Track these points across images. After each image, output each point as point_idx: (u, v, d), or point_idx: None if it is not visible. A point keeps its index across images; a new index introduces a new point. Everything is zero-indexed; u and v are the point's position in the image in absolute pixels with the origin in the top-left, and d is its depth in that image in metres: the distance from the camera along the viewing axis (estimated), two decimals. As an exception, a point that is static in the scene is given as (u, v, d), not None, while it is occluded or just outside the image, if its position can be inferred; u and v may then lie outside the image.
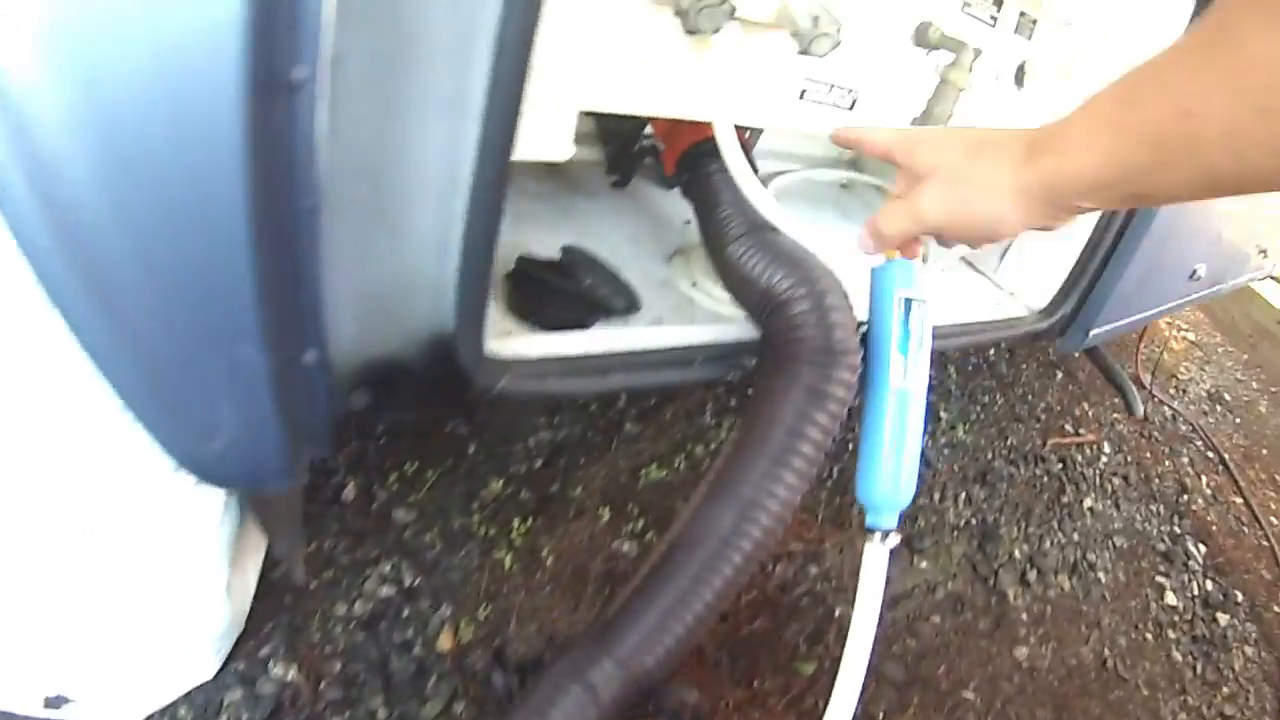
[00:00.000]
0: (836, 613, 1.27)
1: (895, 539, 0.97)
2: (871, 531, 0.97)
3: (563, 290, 1.01)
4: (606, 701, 0.86)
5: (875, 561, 0.97)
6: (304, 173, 0.59)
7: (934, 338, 1.05)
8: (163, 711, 1.16)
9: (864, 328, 1.02)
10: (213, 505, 1.03)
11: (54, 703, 1.15)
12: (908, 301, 0.99)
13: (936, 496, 1.72)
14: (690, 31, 0.85)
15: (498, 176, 0.70)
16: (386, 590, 1.28)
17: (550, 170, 1.45)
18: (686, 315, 1.12)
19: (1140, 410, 2.27)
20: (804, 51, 0.91)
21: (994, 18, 1.20)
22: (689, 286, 1.19)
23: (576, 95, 0.85)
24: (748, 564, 0.89)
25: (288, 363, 0.68)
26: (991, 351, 2.27)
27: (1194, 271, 1.79)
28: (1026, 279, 1.56)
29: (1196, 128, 0.50)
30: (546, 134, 0.85)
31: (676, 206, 1.20)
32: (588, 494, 1.44)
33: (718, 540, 0.89)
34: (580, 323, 1.01)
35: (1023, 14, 1.24)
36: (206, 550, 1.08)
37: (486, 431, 1.52)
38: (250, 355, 0.65)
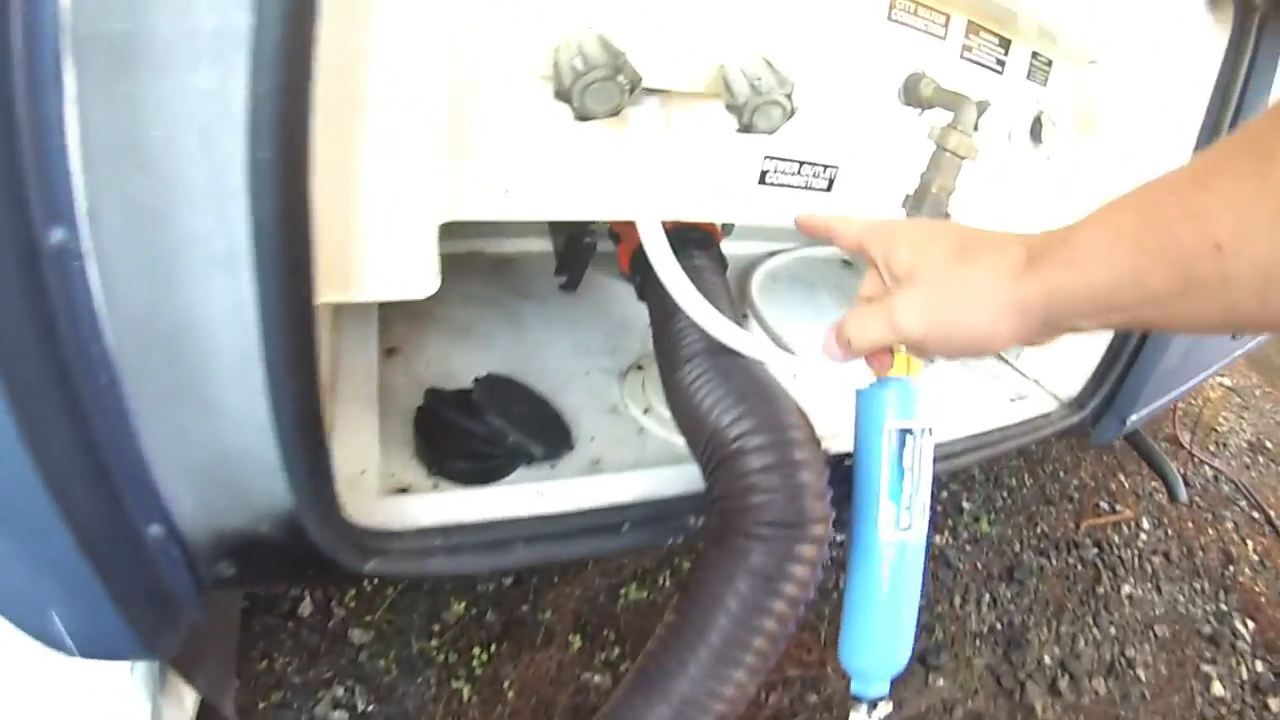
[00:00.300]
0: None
1: (886, 708, 0.73)
2: (858, 701, 0.73)
3: (473, 434, 0.72)
4: None
5: None
6: (90, 346, 0.48)
7: (943, 458, 0.74)
8: None
9: (849, 462, 0.74)
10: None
11: None
12: (902, 434, 0.71)
13: (957, 601, 1.38)
14: (581, 118, 0.56)
15: (293, 338, 0.49)
16: (338, 715, 1.06)
17: (496, 269, 1.17)
18: (632, 453, 0.83)
19: (1183, 495, 1.88)
20: (746, 129, 0.62)
21: (1001, 62, 0.87)
22: (641, 413, 0.90)
23: (430, 212, 0.58)
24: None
25: (123, 540, 0.57)
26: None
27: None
28: (1053, 365, 1.22)
29: (1227, 266, 0.41)
30: (393, 268, 0.58)
31: (641, 309, 0.92)
32: (559, 617, 1.17)
33: None
34: (492, 473, 0.72)
35: (1035, 55, 0.91)
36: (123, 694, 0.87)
37: None
38: (62, 539, 0.53)
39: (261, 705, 1.06)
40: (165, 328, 0.48)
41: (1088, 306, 0.49)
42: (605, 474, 0.76)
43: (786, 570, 0.63)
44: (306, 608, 1.16)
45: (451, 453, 0.72)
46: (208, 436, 0.52)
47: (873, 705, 0.72)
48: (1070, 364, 1.19)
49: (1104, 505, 1.73)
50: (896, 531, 0.70)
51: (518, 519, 0.66)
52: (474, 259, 1.21)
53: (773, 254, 1.44)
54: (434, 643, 1.13)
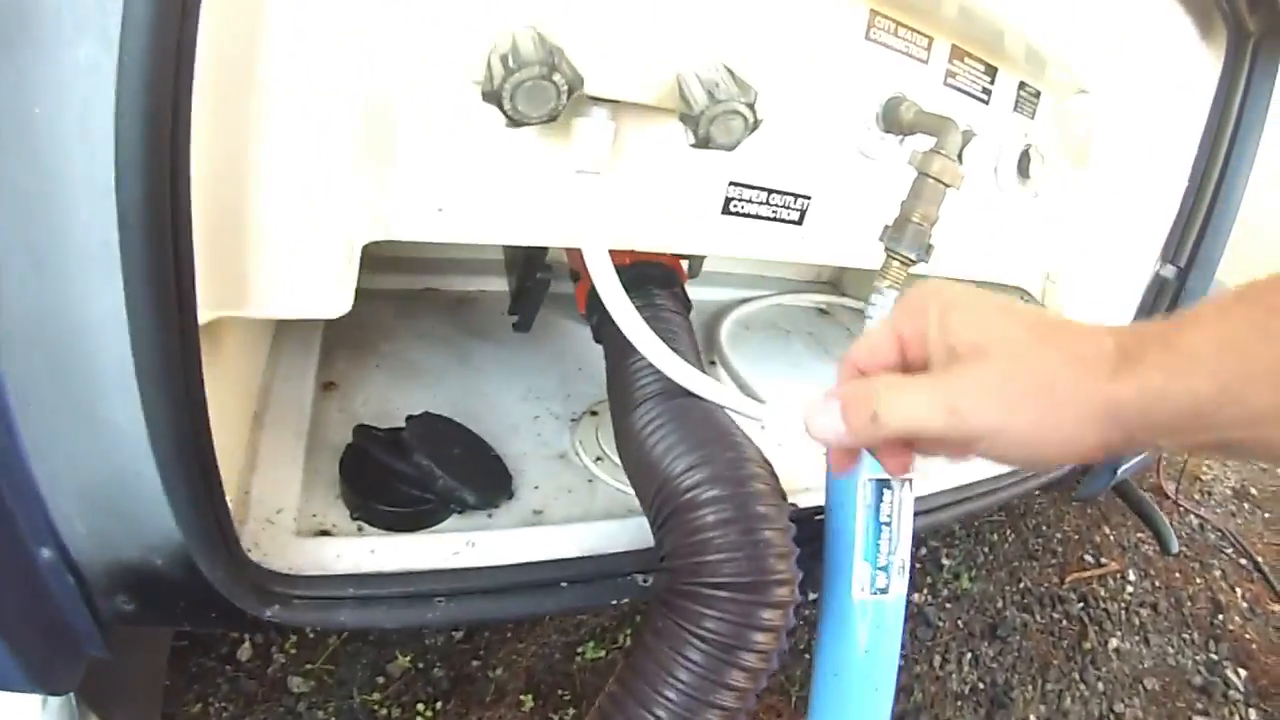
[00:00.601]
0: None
1: None
2: None
3: (402, 475, 0.65)
4: None
5: None
6: None
7: (924, 513, 0.67)
8: None
9: (820, 517, 0.68)
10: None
11: None
12: (879, 486, 0.64)
13: (937, 661, 1.30)
14: (515, 122, 0.49)
15: (165, 350, 0.44)
16: None
17: (453, 308, 1.10)
18: (580, 504, 0.76)
19: (1175, 546, 1.81)
20: (703, 144, 0.56)
21: (987, 91, 0.82)
22: (591, 462, 0.82)
23: (345, 223, 0.51)
24: None
25: (11, 562, 0.53)
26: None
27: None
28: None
29: None
30: (299, 283, 0.51)
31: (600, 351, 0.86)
32: (510, 675, 1.09)
33: None
34: (420, 519, 0.65)
35: (1023, 86, 0.86)
36: None
37: None
38: None
39: None
40: (49, 332, 0.42)
41: (1183, 421, 0.40)
42: (546, 525, 0.68)
43: (746, 638, 0.55)
44: (245, 651, 1.07)
45: (378, 496, 0.65)
46: (93, 455, 0.46)
47: None
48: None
49: (1089, 558, 1.65)
50: (872, 593, 0.63)
51: (441, 570, 0.59)
52: (429, 296, 1.14)
53: (745, 301, 1.38)
54: (377, 696, 1.04)
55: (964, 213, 0.90)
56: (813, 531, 0.65)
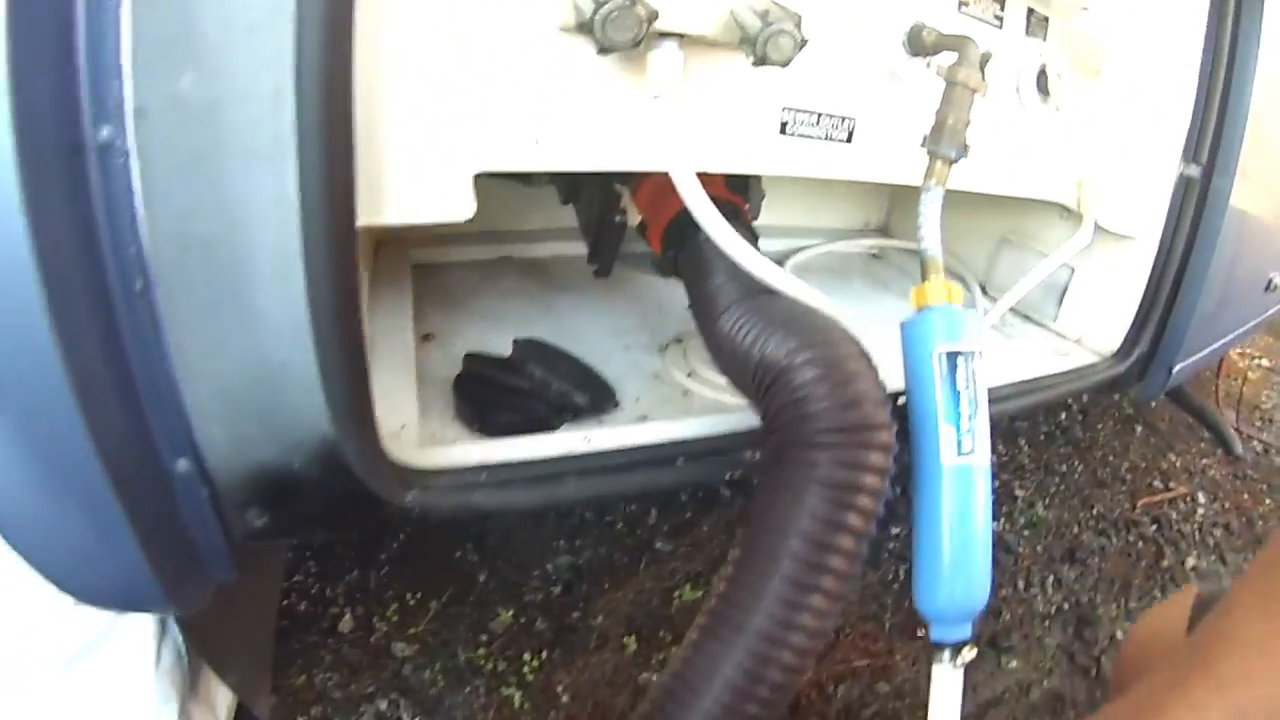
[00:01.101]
0: (913, 733, 0.93)
1: (970, 654, 0.69)
2: (939, 647, 0.70)
3: (515, 389, 0.73)
4: None
5: (947, 687, 0.69)
6: (127, 248, 0.48)
7: (992, 400, 0.73)
8: None
9: (902, 398, 0.74)
10: (142, 645, 0.80)
11: None
12: (950, 357, 0.70)
13: (1021, 584, 1.34)
14: (604, 49, 0.59)
15: (335, 241, 0.50)
16: None
17: (530, 267, 1.20)
18: (679, 409, 0.83)
19: (1239, 448, 1.85)
20: (760, 60, 0.64)
21: (999, 17, 0.90)
22: (684, 377, 0.91)
23: (467, 142, 0.60)
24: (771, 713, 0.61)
25: (149, 472, 0.56)
26: (1063, 415, 1.90)
27: (1270, 282, 1.44)
28: (1091, 322, 1.22)
29: None
30: (431, 190, 0.60)
31: (678, 293, 0.91)
32: (611, 622, 1.15)
33: (726, 691, 0.61)
34: (536, 426, 0.72)
35: (1031, 11, 0.94)
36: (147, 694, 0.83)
37: (499, 558, 1.25)
38: (87, 461, 0.52)
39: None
40: (204, 227, 0.48)
41: None
42: (654, 422, 0.76)
43: (857, 480, 0.61)
44: (347, 623, 1.14)
45: (494, 410, 0.72)
46: (243, 349, 0.51)
47: (956, 650, 0.69)
48: (1107, 321, 1.19)
49: (1158, 484, 1.68)
50: (959, 456, 0.68)
51: (569, 455, 0.66)
52: (507, 262, 1.23)
53: (798, 249, 1.46)
54: (481, 652, 1.10)
55: (996, 133, 0.97)
56: (897, 414, 0.70)
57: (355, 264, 0.52)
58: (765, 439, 0.68)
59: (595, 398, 0.75)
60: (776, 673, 0.60)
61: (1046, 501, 1.55)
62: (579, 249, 1.17)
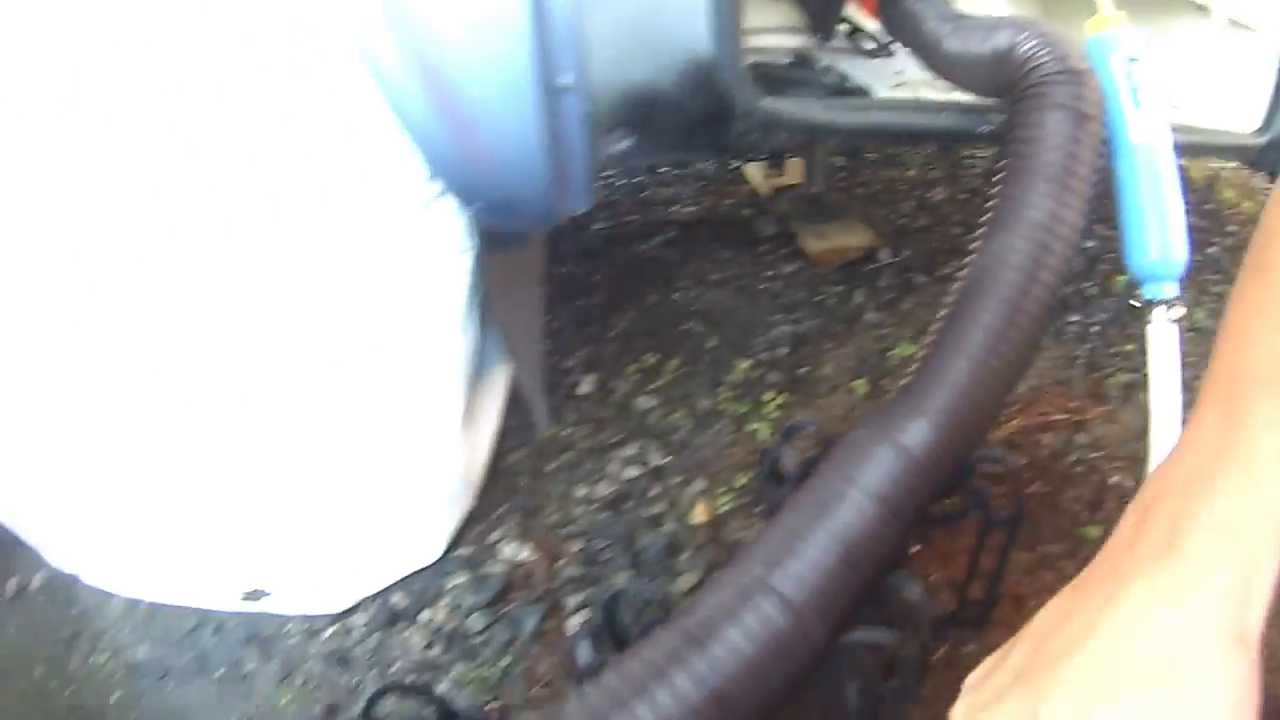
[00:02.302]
0: (1112, 480, 0.99)
1: (1180, 310, 0.81)
2: (1151, 304, 0.82)
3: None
4: (924, 463, 0.64)
5: (1164, 342, 0.80)
6: None
7: None
8: (375, 598, 1.05)
9: None
10: (451, 338, 0.96)
11: (252, 596, 1.07)
12: (1129, 60, 0.86)
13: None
14: None
15: None
16: (631, 471, 1.15)
17: None
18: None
19: None
20: None
21: None
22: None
23: None
24: (1051, 298, 0.72)
25: (543, 87, 0.66)
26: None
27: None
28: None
29: None
30: None
31: None
32: (838, 371, 1.25)
33: (1016, 272, 0.70)
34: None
35: None
36: (445, 383, 1.00)
37: (724, 328, 1.36)
38: (519, 76, 0.65)
39: (549, 467, 1.16)
40: None
41: None
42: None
43: (1084, 108, 0.77)
44: (587, 385, 1.28)
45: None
46: None
47: (1169, 306, 0.81)
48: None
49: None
50: (1144, 133, 0.83)
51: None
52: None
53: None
54: (723, 397, 1.21)
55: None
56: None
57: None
58: (1007, 100, 0.84)
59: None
60: (1053, 259, 0.72)
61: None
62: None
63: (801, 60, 1.11)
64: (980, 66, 0.87)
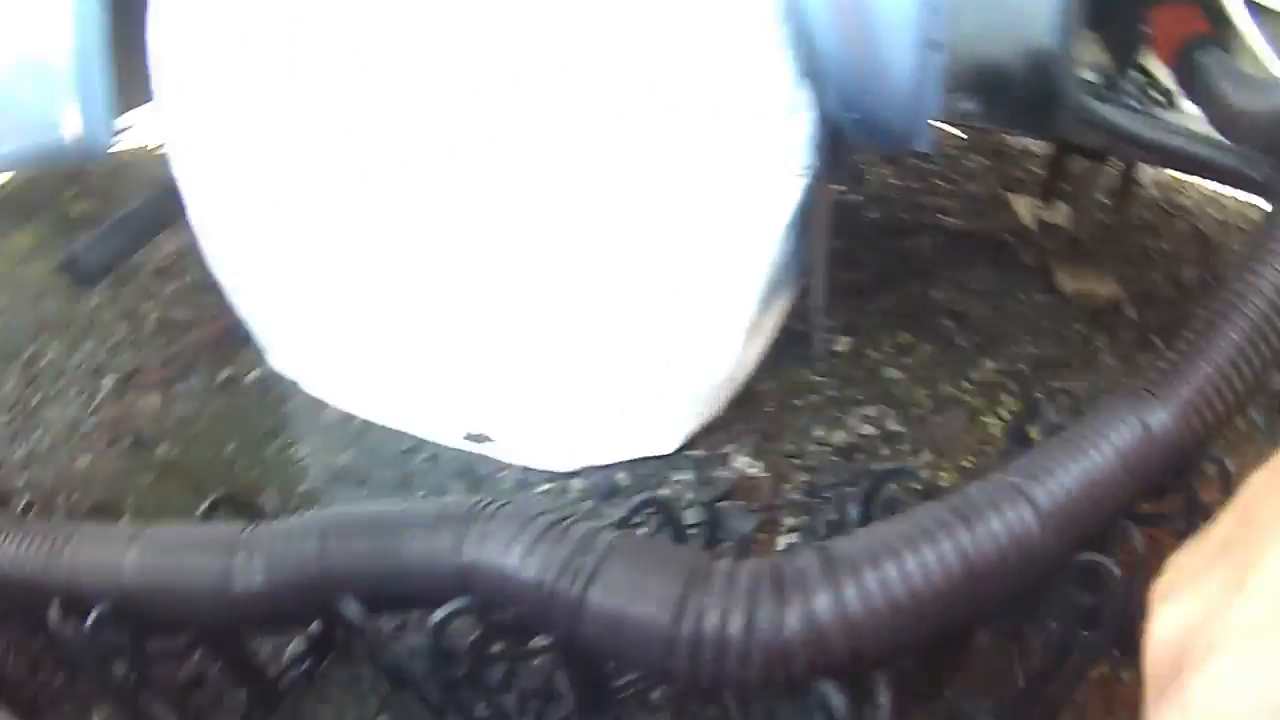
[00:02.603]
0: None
1: None
2: None
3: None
4: (1159, 441, 0.72)
5: None
6: None
7: None
8: (599, 470, 1.07)
9: None
10: (767, 246, 1.02)
11: (475, 438, 1.07)
12: None
13: None
14: None
15: None
16: (867, 429, 1.22)
17: None
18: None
19: None
20: None
21: None
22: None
23: None
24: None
25: (927, 39, 0.79)
26: None
27: None
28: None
29: None
30: None
31: None
32: (1072, 400, 1.23)
33: (1265, 300, 0.75)
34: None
35: None
36: (746, 286, 1.05)
37: (973, 332, 1.43)
38: (910, 26, 0.78)
39: (795, 403, 1.24)
40: None
41: None
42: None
43: None
44: (843, 345, 1.35)
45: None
46: None
47: None
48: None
49: None
50: None
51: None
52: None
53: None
54: (966, 388, 1.26)
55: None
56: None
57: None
58: None
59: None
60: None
61: None
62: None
63: (1111, 84, 1.15)
64: (1261, 122, 0.91)
